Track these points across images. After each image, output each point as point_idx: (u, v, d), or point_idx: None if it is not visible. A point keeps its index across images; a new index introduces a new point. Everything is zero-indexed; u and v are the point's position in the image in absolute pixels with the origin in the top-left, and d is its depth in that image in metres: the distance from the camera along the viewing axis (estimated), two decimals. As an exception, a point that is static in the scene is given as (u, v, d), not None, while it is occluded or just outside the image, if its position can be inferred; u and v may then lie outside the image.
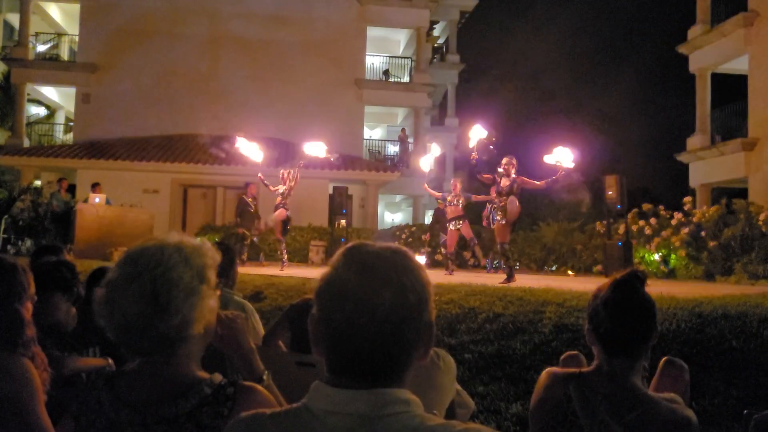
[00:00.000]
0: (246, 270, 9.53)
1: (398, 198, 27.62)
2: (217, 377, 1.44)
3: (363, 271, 1.09)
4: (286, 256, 11.97)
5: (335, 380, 1.10)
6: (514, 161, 8.94)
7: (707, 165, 18.16)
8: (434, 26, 28.56)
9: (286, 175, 11.86)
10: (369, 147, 25.48)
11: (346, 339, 1.08)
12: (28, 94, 22.96)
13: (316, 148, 11.59)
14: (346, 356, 1.09)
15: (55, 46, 24.23)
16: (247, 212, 12.71)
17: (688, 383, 2.62)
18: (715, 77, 19.02)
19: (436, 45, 29.78)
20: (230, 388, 1.41)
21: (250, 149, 11.64)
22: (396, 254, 1.13)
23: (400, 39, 26.45)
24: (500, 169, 8.95)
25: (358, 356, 1.08)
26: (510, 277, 8.52)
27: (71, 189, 16.56)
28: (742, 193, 16.19)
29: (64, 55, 23.97)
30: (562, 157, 8.55)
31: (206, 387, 1.41)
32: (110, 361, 2.70)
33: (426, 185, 11.63)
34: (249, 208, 12.69)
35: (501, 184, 8.93)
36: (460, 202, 10.99)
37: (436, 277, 7.94)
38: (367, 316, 1.06)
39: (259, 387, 1.48)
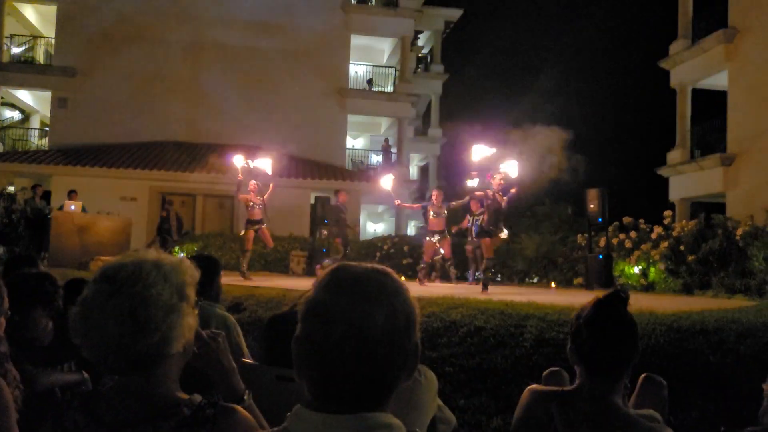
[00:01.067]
0: (229, 281, 9.46)
1: (381, 208, 27.62)
2: (196, 398, 1.41)
3: (353, 294, 1.08)
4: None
5: (318, 404, 1.08)
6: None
7: (686, 179, 18.39)
8: (419, 36, 28.72)
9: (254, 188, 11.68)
10: (352, 156, 25.49)
11: (333, 363, 1.05)
12: (2, 98, 22.66)
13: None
14: (333, 380, 1.07)
15: (31, 49, 23.89)
16: (342, 220, 12.64)
17: (666, 399, 2.65)
18: (696, 92, 19.28)
19: (420, 55, 29.92)
20: (210, 409, 1.39)
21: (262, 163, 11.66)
22: (384, 276, 1.12)
23: (384, 48, 26.51)
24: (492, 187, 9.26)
25: (345, 380, 1.06)
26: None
27: (46, 196, 16.33)
28: (720, 207, 16.40)
29: (40, 58, 23.63)
30: (510, 168, 8.96)
31: (185, 408, 1.38)
32: (86, 375, 2.65)
33: (400, 202, 11.73)
34: (343, 215, 12.62)
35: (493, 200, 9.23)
36: (443, 214, 10.99)
37: (413, 289, 7.95)
38: (358, 340, 1.05)
39: (239, 408, 1.45)
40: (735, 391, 4.57)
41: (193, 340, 1.49)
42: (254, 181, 11.41)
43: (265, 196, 11.44)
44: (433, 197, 11.13)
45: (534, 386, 2.19)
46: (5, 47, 22.06)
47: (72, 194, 14.04)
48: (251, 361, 2.89)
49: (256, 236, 11.52)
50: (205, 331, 1.67)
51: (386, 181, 11.43)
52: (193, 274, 1.47)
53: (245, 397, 1.64)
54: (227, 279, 9.96)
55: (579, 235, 13.74)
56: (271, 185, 11.54)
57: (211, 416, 1.37)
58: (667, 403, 2.68)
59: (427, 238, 10.99)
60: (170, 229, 14.92)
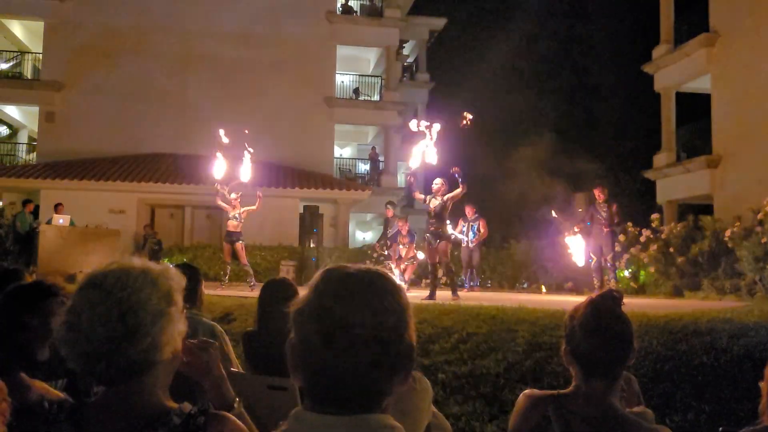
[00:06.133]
0: (216, 291, 9.42)
1: (369, 216, 27.59)
2: (186, 406, 1.38)
3: (341, 294, 1.07)
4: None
5: (316, 406, 1.08)
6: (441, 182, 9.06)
7: (673, 182, 18.48)
8: (404, 45, 28.80)
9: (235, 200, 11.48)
10: (340, 165, 25.47)
11: (325, 364, 1.05)
12: (-10, 114, 22.51)
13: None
14: (326, 381, 1.06)
15: (18, 64, 23.79)
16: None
17: (639, 393, 2.65)
18: (680, 95, 19.42)
19: (405, 64, 30.00)
20: (200, 417, 1.36)
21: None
22: (374, 276, 1.12)
23: (370, 58, 26.58)
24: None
25: (338, 381, 1.05)
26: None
27: (34, 210, 16.19)
28: (708, 209, 16.49)
29: (28, 73, 23.55)
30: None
31: (175, 417, 1.35)
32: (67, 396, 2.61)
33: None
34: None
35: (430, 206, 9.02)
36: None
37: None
38: (346, 340, 1.04)
39: (230, 415, 1.43)
40: (730, 391, 4.56)
41: (181, 348, 1.46)
42: (234, 195, 11.32)
43: (245, 210, 11.29)
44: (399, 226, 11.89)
45: (529, 390, 2.16)
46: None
47: (58, 207, 13.92)
48: (240, 370, 2.85)
49: (233, 250, 11.41)
50: (197, 339, 1.64)
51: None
52: (179, 280, 1.46)
53: (235, 405, 1.61)
54: (217, 291, 9.93)
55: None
56: (258, 200, 11.30)
57: (201, 425, 1.35)
58: (641, 397, 2.69)
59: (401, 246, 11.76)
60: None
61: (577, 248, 10.39)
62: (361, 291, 1.08)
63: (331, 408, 1.06)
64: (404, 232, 11.61)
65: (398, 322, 1.09)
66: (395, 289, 1.12)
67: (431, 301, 8.00)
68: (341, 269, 1.13)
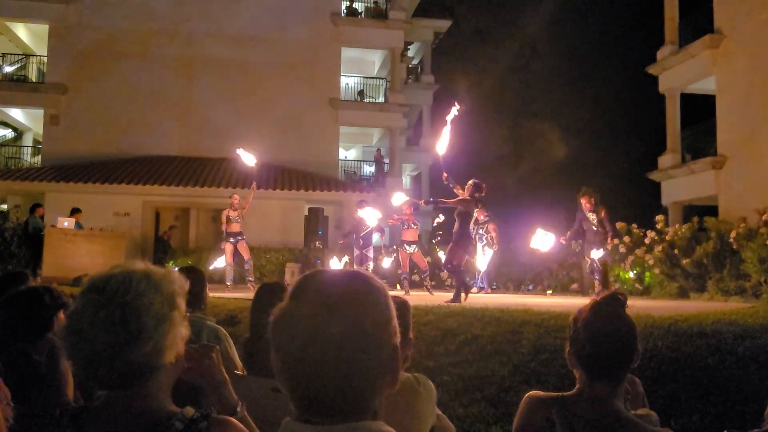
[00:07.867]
0: (221, 294, 9.45)
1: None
2: (189, 411, 1.38)
3: (313, 301, 1.04)
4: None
5: (303, 416, 1.04)
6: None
7: (678, 183, 18.43)
8: (408, 47, 28.81)
9: (236, 202, 11.74)
10: (344, 167, 25.50)
11: (302, 373, 1.02)
12: (-5, 117, 22.59)
13: (247, 157, 11.49)
14: (307, 391, 1.03)
15: (23, 67, 23.87)
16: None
17: (643, 395, 2.64)
18: (685, 96, 19.37)
19: (410, 66, 30.01)
20: (203, 422, 1.36)
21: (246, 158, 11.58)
22: (354, 280, 1.08)
23: (374, 60, 26.60)
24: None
25: (318, 391, 1.02)
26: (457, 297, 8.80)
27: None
28: (713, 210, 16.43)
29: (32, 76, 23.63)
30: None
31: (177, 422, 1.35)
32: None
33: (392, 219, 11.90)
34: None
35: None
36: (413, 226, 11.48)
37: (411, 298, 7.91)
38: (320, 348, 1.00)
39: (232, 420, 1.42)
40: (735, 393, 4.54)
41: (184, 352, 1.46)
42: (236, 195, 11.63)
43: (244, 209, 11.60)
44: (404, 210, 11.64)
45: (533, 392, 2.16)
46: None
47: (75, 213, 13.94)
48: (244, 373, 2.85)
49: (235, 250, 11.63)
50: (198, 344, 1.64)
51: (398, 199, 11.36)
52: (182, 284, 1.45)
53: (238, 409, 1.61)
54: (221, 293, 9.95)
55: (572, 242, 13.73)
56: (249, 196, 11.85)
57: (204, 429, 1.34)
58: (645, 399, 2.68)
59: (406, 249, 11.67)
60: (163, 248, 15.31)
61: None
62: (333, 297, 1.04)
63: (319, 417, 1.03)
64: (409, 212, 11.50)
65: (376, 326, 1.04)
66: (374, 291, 1.08)
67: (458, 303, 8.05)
68: (319, 274, 1.10)
